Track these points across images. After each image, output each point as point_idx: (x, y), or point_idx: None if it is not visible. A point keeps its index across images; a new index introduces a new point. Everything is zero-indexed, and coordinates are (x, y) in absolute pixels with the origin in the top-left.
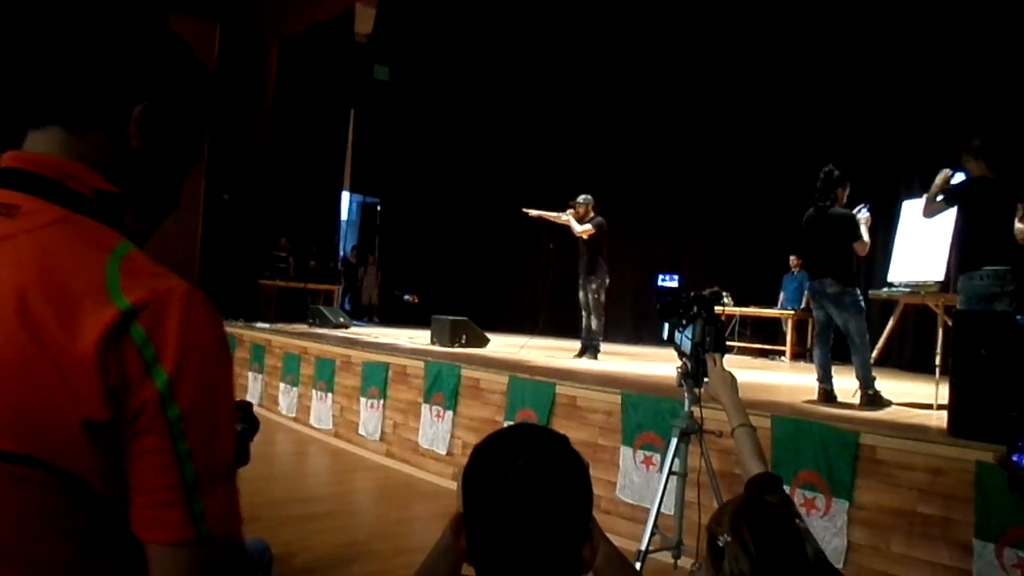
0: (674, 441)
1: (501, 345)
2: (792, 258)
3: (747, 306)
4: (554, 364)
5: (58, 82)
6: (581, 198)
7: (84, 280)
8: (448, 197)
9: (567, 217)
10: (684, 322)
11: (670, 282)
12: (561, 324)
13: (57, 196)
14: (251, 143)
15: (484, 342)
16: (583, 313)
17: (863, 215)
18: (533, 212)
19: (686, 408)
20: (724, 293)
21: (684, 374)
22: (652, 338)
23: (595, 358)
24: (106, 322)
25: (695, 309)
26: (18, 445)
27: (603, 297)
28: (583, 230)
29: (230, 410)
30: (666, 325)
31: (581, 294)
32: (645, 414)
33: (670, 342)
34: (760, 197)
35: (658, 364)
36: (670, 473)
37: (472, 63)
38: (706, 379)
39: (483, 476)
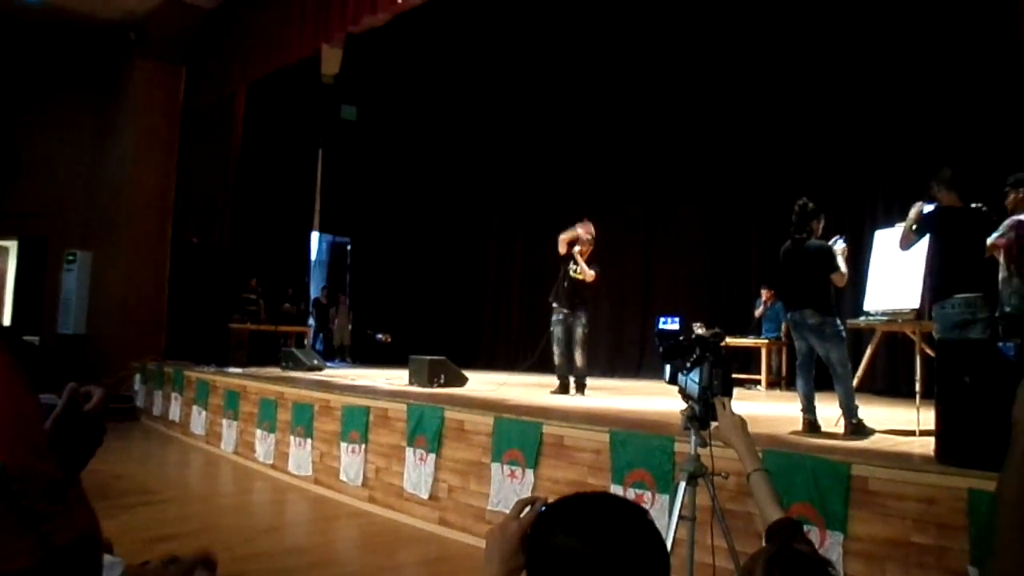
0: (682, 485)
1: (479, 383)
2: (764, 291)
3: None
4: (538, 402)
5: None
6: (590, 229)
7: None
8: (417, 234)
9: (576, 255)
10: (689, 365)
11: (672, 324)
12: (538, 359)
13: None
14: (219, 186)
15: (463, 381)
16: (557, 348)
17: (840, 246)
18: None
19: (692, 451)
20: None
21: (691, 417)
22: (627, 370)
23: (583, 393)
24: None
25: (699, 351)
26: None
27: (587, 332)
28: (588, 275)
29: (39, 436)
30: (668, 367)
31: (559, 329)
32: (635, 452)
33: (672, 383)
34: (730, 227)
35: (641, 398)
36: (680, 517)
37: (438, 101)
38: (714, 423)
39: (540, 548)
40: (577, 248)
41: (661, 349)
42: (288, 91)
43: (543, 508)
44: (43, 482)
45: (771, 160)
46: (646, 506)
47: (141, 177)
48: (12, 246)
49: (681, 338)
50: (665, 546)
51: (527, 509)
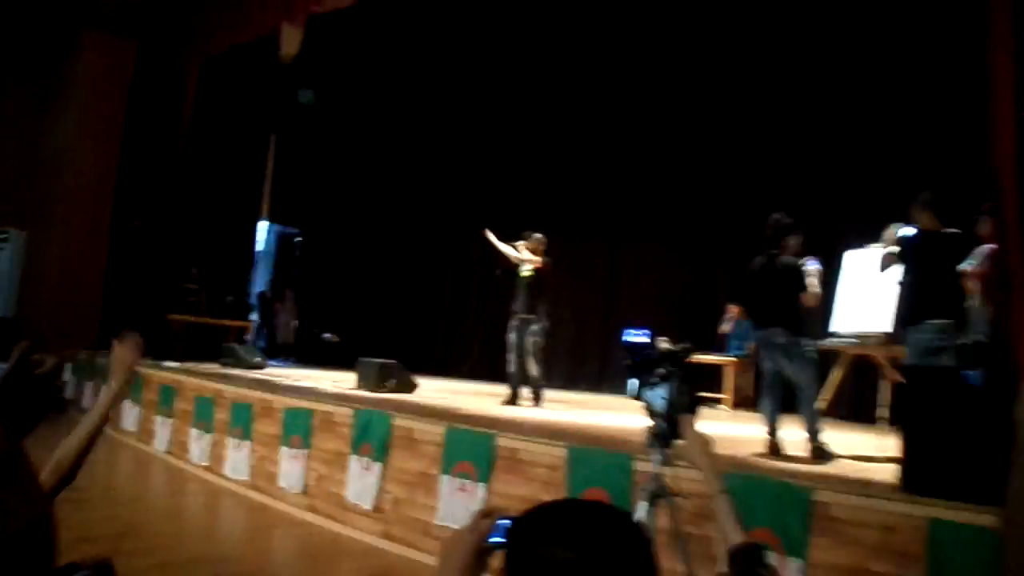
0: (644, 505)
1: (430, 389)
2: (731, 307)
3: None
4: (493, 413)
5: None
6: (537, 235)
7: None
8: (372, 230)
9: (520, 246)
10: (656, 380)
11: (640, 337)
12: (492, 366)
13: None
14: (165, 168)
15: (413, 387)
16: (511, 356)
17: (813, 266)
18: (492, 237)
19: (654, 469)
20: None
21: (655, 434)
22: (588, 383)
23: (539, 404)
24: None
25: (668, 366)
26: None
27: (543, 342)
28: (534, 260)
29: None
30: (633, 381)
31: (513, 336)
32: (593, 469)
33: (637, 399)
34: (697, 241)
35: (600, 412)
36: None
37: (400, 89)
38: (679, 441)
39: (530, 560)
40: (523, 243)
41: (628, 362)
42: (244, 71)
43: (516, 518)
44: None
45: (740, 175)
46: None
47: (82, 155)
48: None
49: (649, 351)
50: (654, 555)
51: (484, 520)
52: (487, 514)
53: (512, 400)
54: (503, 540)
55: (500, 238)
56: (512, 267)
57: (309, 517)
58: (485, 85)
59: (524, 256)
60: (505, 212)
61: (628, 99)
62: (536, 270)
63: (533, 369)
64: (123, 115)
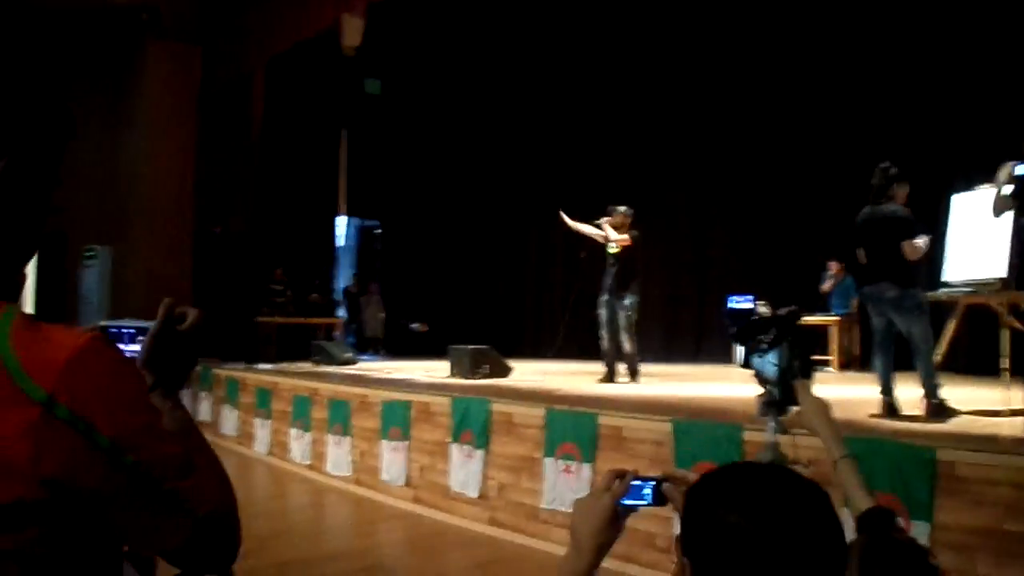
0: None
1: (523, 372)
2: (831, 264)
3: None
4: (590, 391)
5: None
6: (622, 208)
7: None
8: (453, 214)
9: (604, 224)
10: (766, 346)
11: (744, 303)
12: (583, 345)
13: None
14: (240, 171)
15: (507, 371)
16: (604, 333)
17: (922, 240)
18: (568, 220)
19: (770, 439)
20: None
21: (768, 402)
22: (683, 355)
23: (636, 380)
24: (31, 419)
25: (776, 331)
26: None
27: (636, 317)
28: (620, 239)
29: (157, 419)
30: (741, 349)
31: (604, 312)
32: (700, 442)
33: (746, 367)
34: (793, 196)
35: (700, 384)
36: None
37: (469, 69)
38: (794, 408)
39: (707, 526)
40: (606, 220)
41: (734, 330)
42: (308, 67)
43: (701, 479)
44: (175, 463)
45: (836, 123)
46: None
47: (158, 166)
48: None
49: (755, 317)
50: (842, 527)
51: (618, 482)
52: (620, 475)
53: (609, 378)
54: (639, 501)
55: (585, 214)
56: (599, 245)
57: (414, 508)
58: (559, 59)
59: (609, 234)
60: (587, 186)
61: (709, 61)
62: (623, 247)
63: (628, 345)
64: (194, 122)
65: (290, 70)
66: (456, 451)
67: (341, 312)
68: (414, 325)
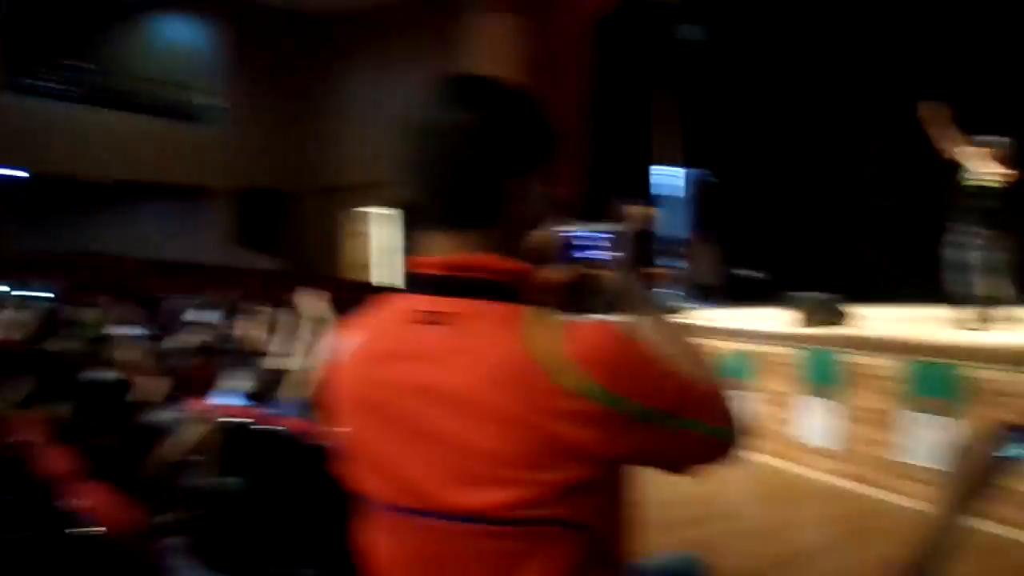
0: None
1: (875, 319)
2: None
3: None
4: (955, 340)
5: (484, 192)
6: (1001, 139)
7: (536, 373)
8: (785, 160)
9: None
10: None
11: None
12: (939, 289)
13: (488, 293)
14: (577, 136)
15: (852, 320)
16: (974, 278)
17: None
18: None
19: None
20: None
21: None
22: None
23: (1010, 327)
24: (584, 408)
25: None
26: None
27: (1009, 256)
28: (1007, 174)
29: (667, 368)
30: None
31: (977, 255)
32: None
33: None
34: None
35: None
36: None
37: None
38: None
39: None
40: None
41: None
42: (635, 23)
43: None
44: (694, 399)
45: None
46: None
47: None
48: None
49: None
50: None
51: (996, 433)
52: (1001, 427)
53: (978, 324)
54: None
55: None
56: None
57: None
58: None
59: (989, 166)
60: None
61: None
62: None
63: (1003, 288)
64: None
65: (619, 29)
66: (810, 403)
67: (676, 262)
68: (750, 272)
